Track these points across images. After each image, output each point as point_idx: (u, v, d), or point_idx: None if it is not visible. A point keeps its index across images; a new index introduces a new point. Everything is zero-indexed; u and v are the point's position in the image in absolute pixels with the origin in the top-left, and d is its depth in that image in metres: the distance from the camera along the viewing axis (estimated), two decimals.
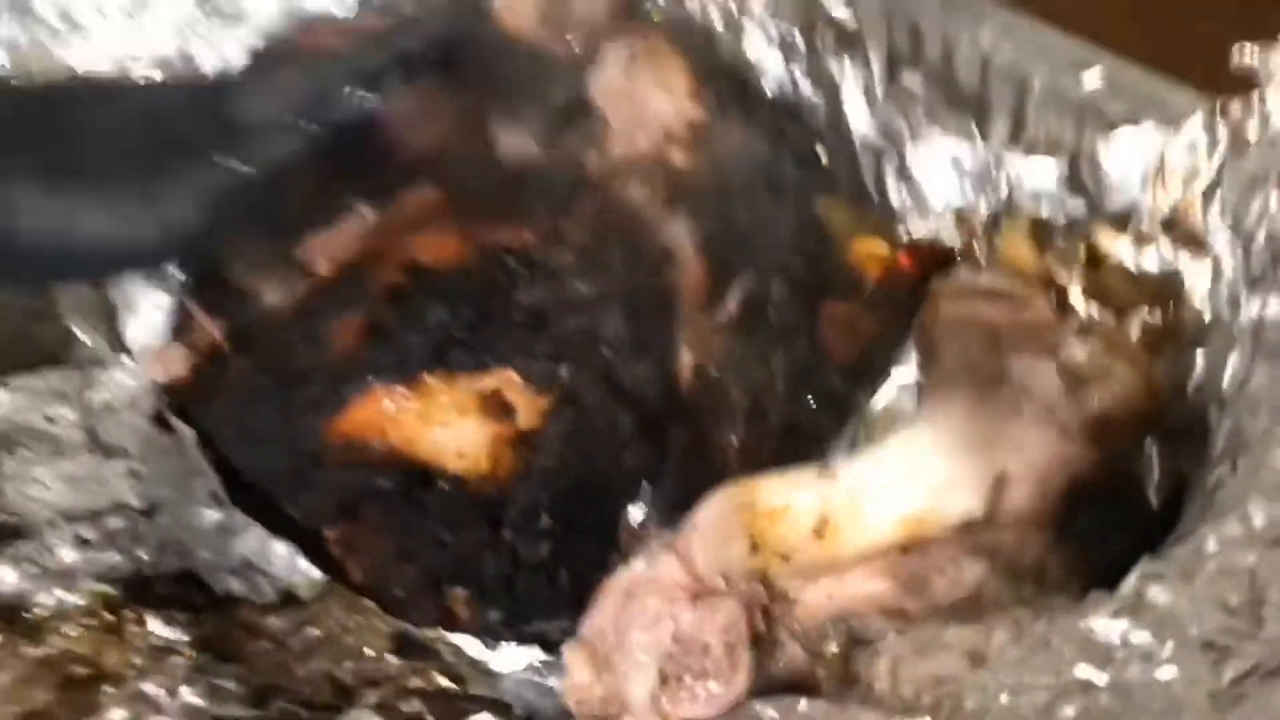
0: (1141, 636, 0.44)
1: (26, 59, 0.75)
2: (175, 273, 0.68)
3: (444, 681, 0.60)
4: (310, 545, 0.63)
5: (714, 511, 0.53)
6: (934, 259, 0.65)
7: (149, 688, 0.55)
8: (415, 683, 0.60)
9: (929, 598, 0.55)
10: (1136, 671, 0.43)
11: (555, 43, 0.71)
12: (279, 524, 0.63)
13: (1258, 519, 0.44)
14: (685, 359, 0.58)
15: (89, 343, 0.76)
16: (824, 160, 0.66)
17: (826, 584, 0.56)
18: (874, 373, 0.65)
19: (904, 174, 0.64)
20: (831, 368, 0.65)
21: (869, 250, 0.68)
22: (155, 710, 0.54)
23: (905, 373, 0.64)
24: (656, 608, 0.50)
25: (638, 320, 0.57)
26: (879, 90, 0.64)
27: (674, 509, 0.55)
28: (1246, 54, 0.51)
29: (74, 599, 0.59)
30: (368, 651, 0.62)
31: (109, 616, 0.59)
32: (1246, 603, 0.43)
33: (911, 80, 0.65)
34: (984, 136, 0.64)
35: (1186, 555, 0.45)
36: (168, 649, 0.58)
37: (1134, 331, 0.58)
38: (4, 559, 0.60)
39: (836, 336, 0.66)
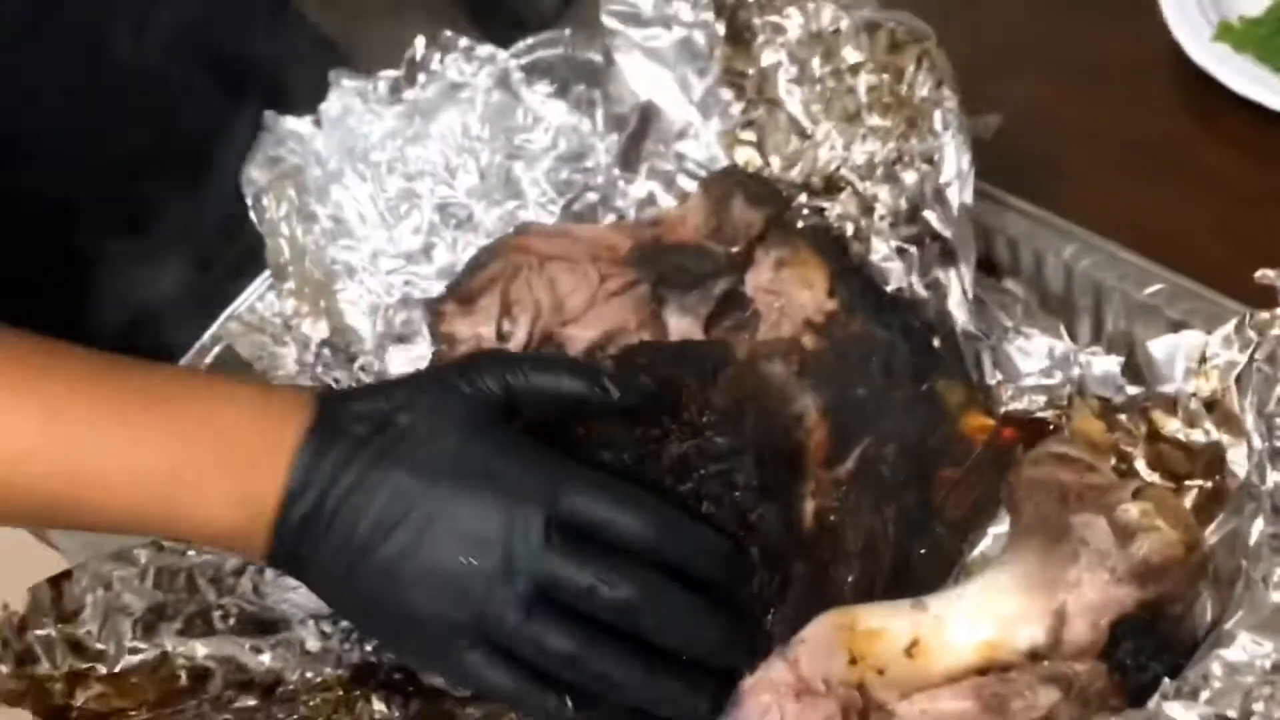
0: None
1: (303, 252, 0.95)
2: None
3: None
4: None
5: (820, 628, 0.65)
6: (1032, 431, 0.77)
7: None
8: None
9: (1009, 718, 0.66)
10: None
11: (718, 245, 0.86)
12: None
13: (1251, 651, 0.54)
14: (808, 505, 0.71)
15: None
16: (935, 346, 0.79)
17: (920, 700, 0.67)
18: (977, 526, 0.77)
19: (998, 360, 0.76)
20: (941, 523, 0.77)
21: (977, 423, 0.80)
22: None
23: (1001, 525, 0.75)
24: (767, 702, 0.63)
25: (767, 470, 0.70)
26: (974, 291, 0.76)
27: (792, 631, 0.67)
28: (1269, 276, 0.63)
29: (316, 678, 0.75)
30: None
31: (341, 693, 0.74)
32: (1241, 717, 0.53)
33: (1009, 284, 0.79)
34: (1072, 336, 0.77)
35: (1196, 677, 0.55)
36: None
37: (1189, 496, 0.69)
38: (266, 646, 0.76)
39: (947, 496, 0.78)
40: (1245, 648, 0.54)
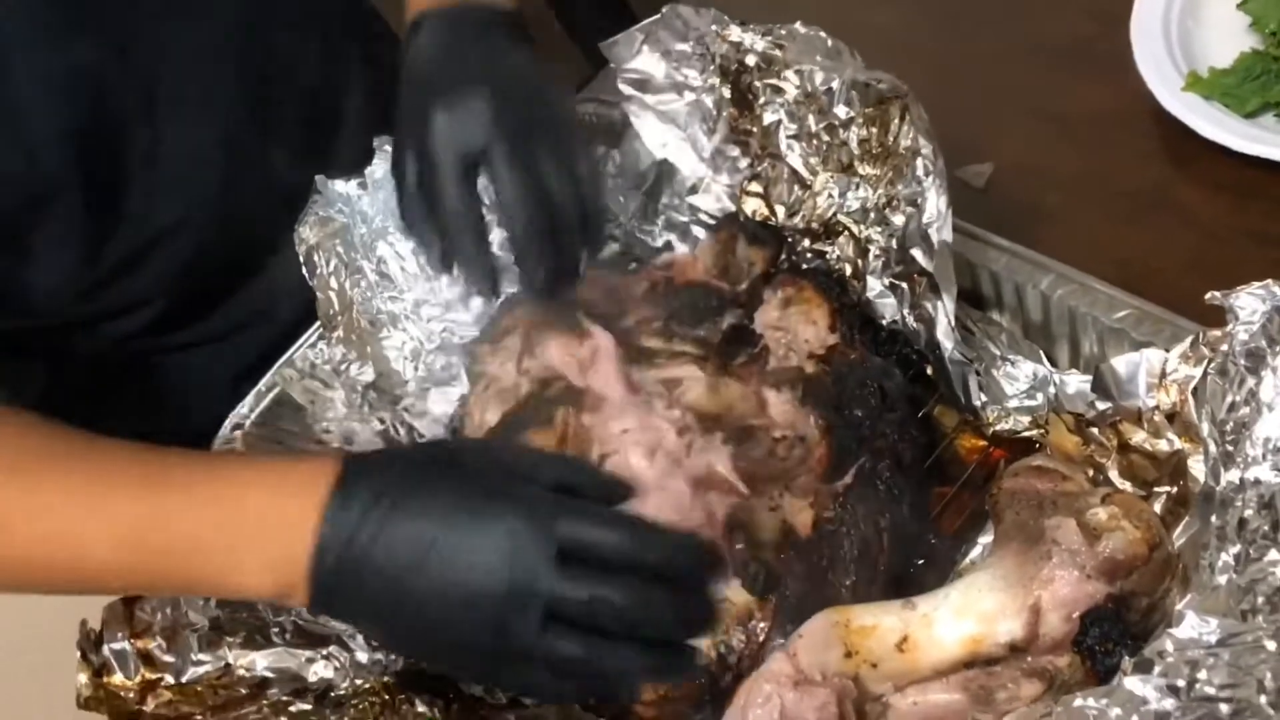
0: (1115, 711, 0.60)
1: (351, 303, 1.03)
2: None
3: None
4: None
5: (817, 624, 0.71)
6: (1019, 450, 0.83)
7: None
8: None
9: (994, 708, 0.72)
10: None
11: (724, 284, 0.94)
12: None
13: (1199, 628, 0.60)
14: (806, 515, 0.77)
15: None
16: (927, 372, 0.86)
17: (912, 692, 0.73)
18: (969, 537, 0.83)
19: (985, 384, 0.83)
20: (936, 535, 0.84)
21: (969, 444, 0.87)
22: None
23: (988, 535, 0.81)
24: (768, 690, 0.69)
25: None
26: (963, 322, 0.83)
27: (792, 627, 0.74)
28: (1217, 297, 0.69)
29: (364, 684, 0.82)
30: None
31: (387, 697, 0.81)
32: (1187, 686, 0.58)
33: (995, 315, 0.86)
34: (1052, 361, 0.83)
35: (1151, 654, 0.61)
36: None
37: (1158, 502, 0.75)
38: (319, 657, 0.83)
39: (941, 511, 0.85)
40: (1193, 625, 0.60)
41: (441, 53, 0.90)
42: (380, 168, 1.03)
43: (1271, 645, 0.57)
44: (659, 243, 1.02)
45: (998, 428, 0.84)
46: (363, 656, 0.83)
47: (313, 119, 1.09)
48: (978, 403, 0.83)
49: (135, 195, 0.96)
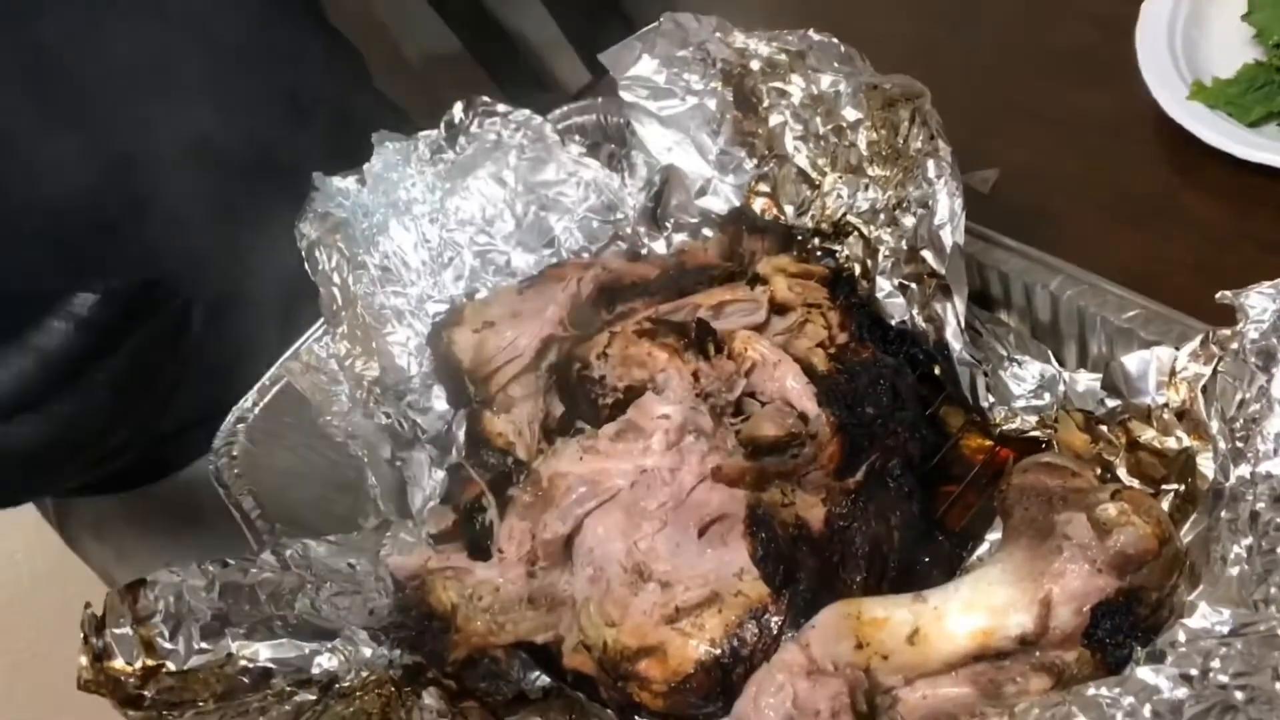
0: (1128, 700, 0.60)
1: (354, 299, 1.03)
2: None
3: None
4: (543, 659, 0.84)
5: (829, 615, 0.71)
6: (1026, 449, 0.84)
7: None
8: None
9: (1003, 702, 0.72)
10: None
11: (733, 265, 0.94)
12: None
13: (1211, 619, 0.60)
14: (818, 511, 0.78)
15: (384, 509, 1.01)
16: (936, 373, 0.86)
17: (922, 685, 0.73)
18: (976, 535, 0.83)
19: (992, 384, 0.83)
20: (944, 533, 0.84)
21: (975, 444, 0.87)
22: None
23: (996, 532, 0.81)
24: (780, 680, 0.69)
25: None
26: (972, 323, 0.84)
27: (804, 619, 0.73)
28: (1228, 296, 0.70)
29: (371, 676, 0.81)
30: None
31: (394, 689, 0.81)
32: (1200, 675, 0.59)
33: (1003, 316, 0.86)
34: (1060, 361, 0.84)
35: (1164, 644, 0.61)
36: (434, 713, 0.79)
37: (1166, 500, 0.75)
38: (324, 649, 0.83)
39: (949, 510, 0.85)
40: (1205, 616, 0.60)
41: None
42: (379, 161, 1.03)
43: None
44: (669, 245, 1.03)
45: (1004, 428, 0.84)
46: (367, 651, 0.83)
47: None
48: (985, 403, 0.83)
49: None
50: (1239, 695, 0.57)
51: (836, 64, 0.88)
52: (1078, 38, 1.10)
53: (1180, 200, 0.97)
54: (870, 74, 0.89)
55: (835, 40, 0.89)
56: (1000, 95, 1.08)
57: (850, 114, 0.89)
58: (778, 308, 0.90)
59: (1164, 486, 0.75)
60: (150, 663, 0.79)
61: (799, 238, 0.94)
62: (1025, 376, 0.84)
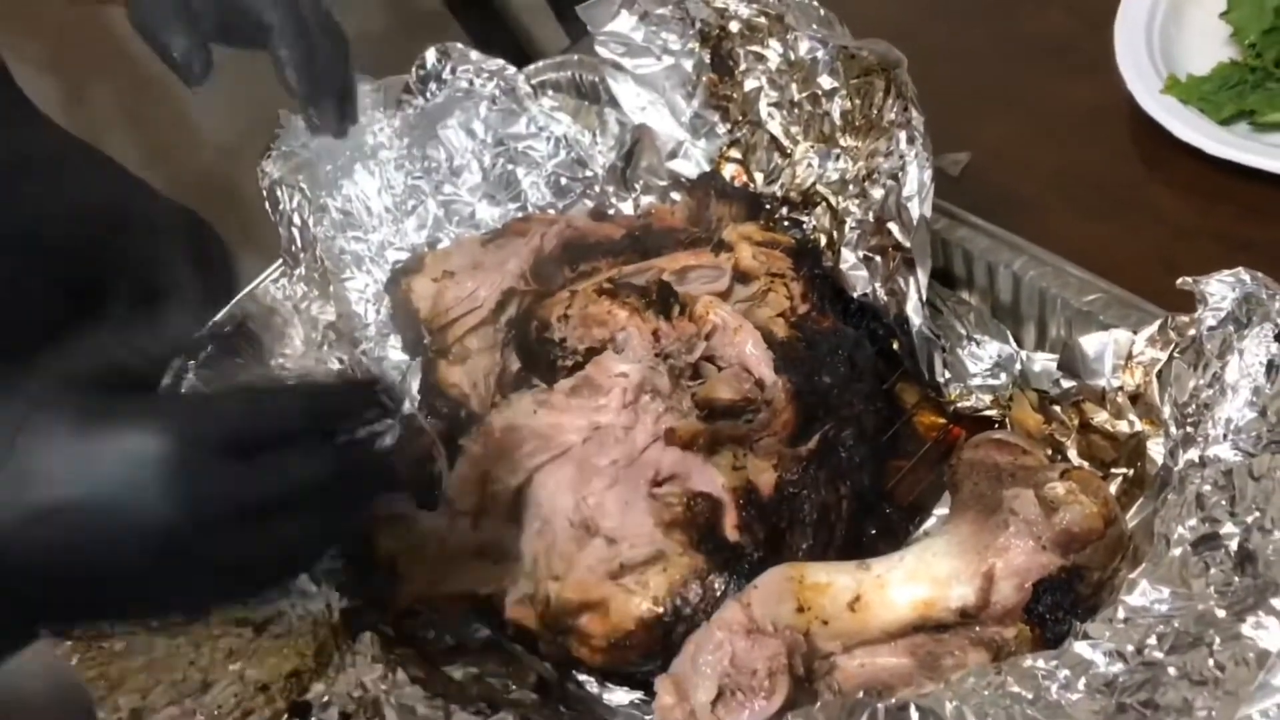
0: (1064, 672, 0.60)
1: (314, 241, 1.02)
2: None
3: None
4: (485, 612, 0.83)
5: (772, 577, 0.71)
6: (978, 428, 0.84)
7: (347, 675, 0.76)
8: (547, 711, 0.79)
9: (940, 674, 0.72)
10: (1054, 693, 0.59)
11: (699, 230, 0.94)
12: None
13: (1150, 596, 0.60)
14: (768, 476, 0.77)
15: None
16: (894, 347, 0.86)
17: (860, 654, 0.73)
18: (923, 509, 0.83)
19: (949, 361, 0.83)
20: (892, 506, 0.84)
21: (928, 420, 0.87)
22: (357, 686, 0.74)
23: (944, 508, 0.81)
24: (719, 638, 0.69)
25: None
26: (932, 301, 0.83)
27: (747, 581, 0.73)
28: (1189, 282, 0.70)
29: (308, 619, 0.81)
30: (512, 685, 0.81)
31: (328, 633, 0.80)
32: (1135, 650, 0.59)
33: (965, 295, 0.86)
34: (1019, 341, 0.84)
35: (1102, 620, 0.61)
36: (369, 659, 0.78)
37: (1114, 483, 0.75)
38: None
39: (898, 484, 0.85)
40: (1145, 594, 0.60)
41: None
42: None
43: (1222, 614, 0.57)
44: (637, 207, 1.02)
45: (959, 405, 0.84)
46: (307, 594, 0.82)
47: None
48: (941, 379, 0.83)
49: None
50: (1172, 672, 0.57)
51: (815, 25, 0.87)
52: (1057, 27, 1.10)
53: (1148, 192, 0.97)
54: (846, 37, 0.88)
55: (815, 2, 0.88)
56: (977, 81, 1.08)
57: (826, 82, 0.88)
58: (741, 276, 0.89)
59: (1113, 470, 0.75)
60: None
61: (767, 206, 0.94)
62: (982, 355, 0.84)
